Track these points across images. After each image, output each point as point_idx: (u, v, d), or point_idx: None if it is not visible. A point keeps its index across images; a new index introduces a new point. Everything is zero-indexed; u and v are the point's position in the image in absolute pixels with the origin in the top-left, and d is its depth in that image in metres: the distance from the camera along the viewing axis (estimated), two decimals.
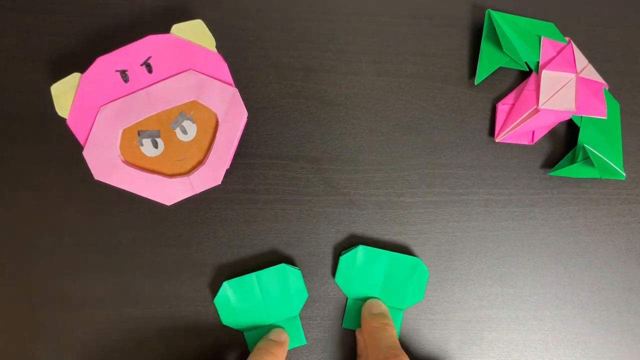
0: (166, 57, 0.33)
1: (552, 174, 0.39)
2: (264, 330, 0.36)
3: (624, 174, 0.38)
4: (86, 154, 0.32)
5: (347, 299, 0.37)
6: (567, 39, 0.40)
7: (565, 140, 0.40)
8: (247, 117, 0.34)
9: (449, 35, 0.40)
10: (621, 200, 0.40)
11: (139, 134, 0.33)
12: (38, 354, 0.36)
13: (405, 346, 0.37)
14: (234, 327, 0.36)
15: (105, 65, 0.32)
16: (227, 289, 0.36)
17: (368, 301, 0.37)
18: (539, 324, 0.38)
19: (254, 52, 0.39)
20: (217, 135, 0.33)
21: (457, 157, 0.39)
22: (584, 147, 0.38)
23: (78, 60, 0.38)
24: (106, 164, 0.32)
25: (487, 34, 0.39)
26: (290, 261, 0.37)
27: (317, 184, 0.38)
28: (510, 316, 0.38)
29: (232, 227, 0.37)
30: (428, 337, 0.38)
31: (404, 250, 0.38)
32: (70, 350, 0.36)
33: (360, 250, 0.37)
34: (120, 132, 0.33)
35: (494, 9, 0.40)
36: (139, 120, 0.33)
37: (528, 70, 0.39)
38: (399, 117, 0.39)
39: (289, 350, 0.37)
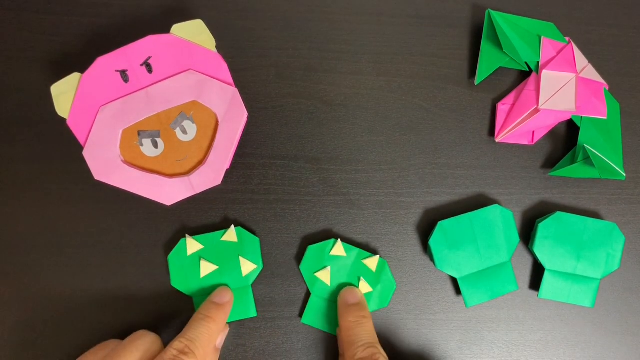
0: (166, 57, 0.33)
1: (552, 174, 0.39)
2: (476, 276, 0.36)
3: (624, 174, 0.38)
4: (86, 154, 0.32)
5: (544, 270, 0.37)
6: (567, 39, 0.40)
7: (565, 140, 0.40)
8: (247, 117, 0.34)
9: (449, 35, 0.40)
10: (621, 200, 0.40)
11: (139, 134, 0.33)
12: (39, 354, 0.36)
13: (405, 345, 0.38)
14: (448, 273, 0.36)
15: (105, 65, 0.32)
16: (442, 228, 0.36)
17: (343, 290, 0.35)
18: (539, 324, 0.38)
19: (254, 52, 0.39)
20: (217, 135, 0.33)
21: (457, 157, 0.39)
22: (584, 147, 0.38)
23: (78, 60, 0.38)
24: (106, 164, 0.32)
25: (487, 34, 0.39)
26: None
27: (316, 184, 0.38)
28: (510, 316, 0.38)
29: None
30: (428, 337, 0.38)
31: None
32: (69, 349, 0.36)
33: (558, 216, 0.37)
34: (120, 132, 0.33)
35: (494, 9, 0.40)
36: (139, 120, 0.33)
37: (528, 70, 0.39)
38: (399, 117, 0.39)
39: (500, 297, 0.37)
